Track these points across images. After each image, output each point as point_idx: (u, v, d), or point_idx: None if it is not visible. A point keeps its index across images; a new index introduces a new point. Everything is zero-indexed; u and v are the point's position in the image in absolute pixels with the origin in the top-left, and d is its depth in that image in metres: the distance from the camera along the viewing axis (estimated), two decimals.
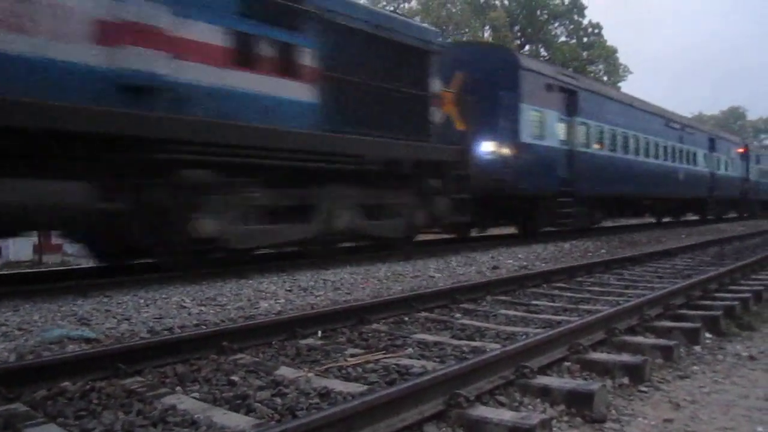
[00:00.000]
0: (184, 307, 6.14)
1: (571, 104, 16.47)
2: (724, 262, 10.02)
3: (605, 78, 44.78)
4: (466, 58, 14.32)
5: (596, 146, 17.88)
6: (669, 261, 10.41)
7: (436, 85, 11.51)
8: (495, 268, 9.67)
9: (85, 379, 3.55)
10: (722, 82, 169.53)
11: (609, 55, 45.97)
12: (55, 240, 15.51)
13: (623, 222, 24.82)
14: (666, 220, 26.41)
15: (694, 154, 25.89)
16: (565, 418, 3.10)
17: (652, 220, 25.79)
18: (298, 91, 8.85)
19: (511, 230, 17.39)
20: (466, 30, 40.03)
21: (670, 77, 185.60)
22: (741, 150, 33.05)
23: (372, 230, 10.43)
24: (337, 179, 9.49)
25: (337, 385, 3.45)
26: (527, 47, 43.99)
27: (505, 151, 14.16)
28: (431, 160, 11.17)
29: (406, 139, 10.56)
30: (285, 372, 3.76)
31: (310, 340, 4.67)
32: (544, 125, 15.28)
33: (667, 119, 23.62)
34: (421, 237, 13.51)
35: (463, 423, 2.91)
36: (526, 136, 14.54)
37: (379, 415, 2.70)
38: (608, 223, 22.44)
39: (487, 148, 14.10)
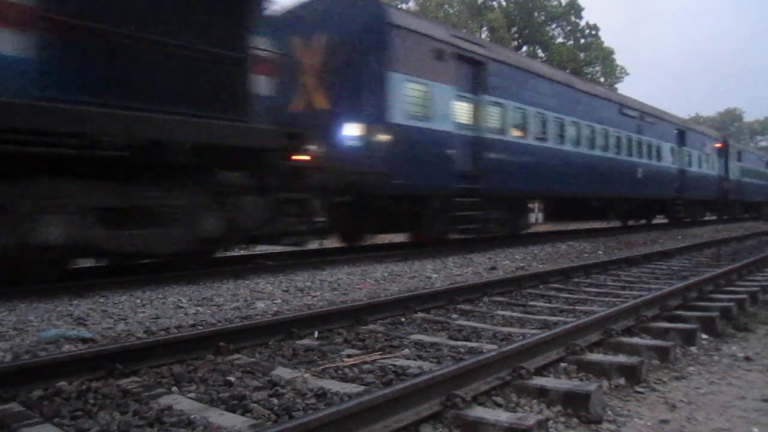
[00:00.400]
0: (181, 308, 6.14)
1: (478, 79, 13.06)
2: (720, 263, 10.04)
3: (602, 79, 44.87)
4: (328, 15, 11.52)
5: (516, 133, 14.48)
6: (666, 262, 10.44)
7: (261, 44, 8.43)
8: (492, 268, 9.68)
9: (82, 379, 3.54)
10: (721, 84, 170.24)
11: (606, 57, 46.08)
12: None
13: (563, 227, 21.93)
14: (634, 223, 24.12)
15: (658, 148, 22.60)
16: (562, 419, 3.10)
17: (618, 223, 23.20)
18: None
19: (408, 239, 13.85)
20: (464, 31, 40.06)
21: (668, 79, 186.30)
22: (718, 145, 29.61)
23: (115, 244, 7.17)
24: (56, 170, 6.64)
25: (334, 386, 3.45)
26: (525, 48, 44.07)
27: (372, 135, 10.86)
28: (235, 145, 8.08)
29: (200, 115, 7.66)
30: (282, 372, 3.76)
31: (306, 341, 4.67)
32: (431, 103, 11.75)
33: (620, 105, 20.22)
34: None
35: (459, 424, 2.91)
36: (401, 115, 11.08)
37: (376, 416, 2.70)
38: (544, 228, 20.22)
39: (350, 131, 10.92)
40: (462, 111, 12.69)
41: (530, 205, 19.41)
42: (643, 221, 24.70)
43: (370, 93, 10.96)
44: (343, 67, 10.95)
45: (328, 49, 11.08)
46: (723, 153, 29.71)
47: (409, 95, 11.34)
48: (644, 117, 21.66)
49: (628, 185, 20.17)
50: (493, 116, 13.57)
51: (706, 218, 29.61)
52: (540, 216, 23.53)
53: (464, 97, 12.78)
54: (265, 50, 8.44)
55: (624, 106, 20.41)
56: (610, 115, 19.11)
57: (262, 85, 8.40)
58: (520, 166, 14.56)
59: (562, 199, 17.97)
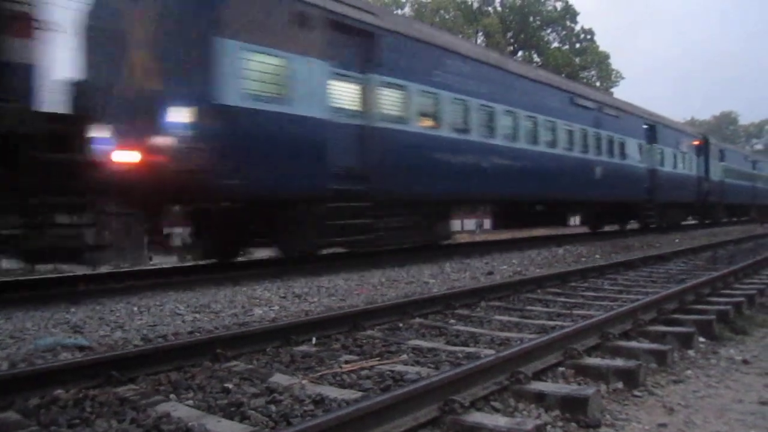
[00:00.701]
0: (178, 315, 6.13)
1: (367, 54, 10.41)
2: (717, 266, 10.06)
3: (598, 83, 45.03)
4: None
5: (425, 123, 11.83)
6: (663, 265, 10.45)
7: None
8: (489, 273, 9.68)
9: (78, 387, 3.53)
10: (718, 88, 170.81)
11: (601, 61, 46.26)
12: None
13: (512, 235, 20.19)
14: (604, 228, 22.10)
15: (622, 145, 19.96)
16: (560, 424, 3.10)
17: (585, 229, 21.41)
18: None
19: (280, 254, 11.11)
20: (460, 36, 40.19)
21: (667, 83, 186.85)
22: (696, 142, 26.89)
23: None
24: None
25: (332, 392, 3.44)
26: (520, 53, 44.22)
27: (200, 121, 8.28)
28: None
29: None
30: (279, 379, 3.75)
31: (304, 347, 4.66)
32: (291, 82, 9.13)
33: (573, 94, 17.62)
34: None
35: (457, 429, 2.91)
36: (238, 96, 8.50)
37: (374, 422, 2.70)
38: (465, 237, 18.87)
39: (174, 116, 8.36)
40: (342, 93, 10.03)
41: (482, 211, 18.09)
42: (616, 227, 22.84)
43: (196, 67, 8.45)
44: (170, 34, 8.58)
45: (153, 13, 8.74)
46: (702, 151, 27.28)
47: (252, 70, 8.67)
48: (603, 109, 19.14)
49: (584, 187, 17.61)
50: (389, 101, 10.82)
51: (688, 222, 27.64)
52: (487, 223, 22.42)
53: (346, 76, 10.08)
54: (25, 4, 6.49)
55: (577, 95, 17.92)
56: (559, 105, 16.60)
57: (18, 50, 6.47)
58: (432, 164, 11.84)
59: (498, 202, 15.86)
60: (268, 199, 9.34)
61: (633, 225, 23.06)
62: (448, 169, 12.31)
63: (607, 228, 22.44)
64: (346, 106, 10.18)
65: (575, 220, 24.91)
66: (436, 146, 12.00)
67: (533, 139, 15.26)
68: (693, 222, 27.98)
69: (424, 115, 11.78)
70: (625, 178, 20.14)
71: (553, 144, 16.12)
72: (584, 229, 22.07)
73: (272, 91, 8.93)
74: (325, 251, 10.77)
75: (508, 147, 14.18)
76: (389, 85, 10.85)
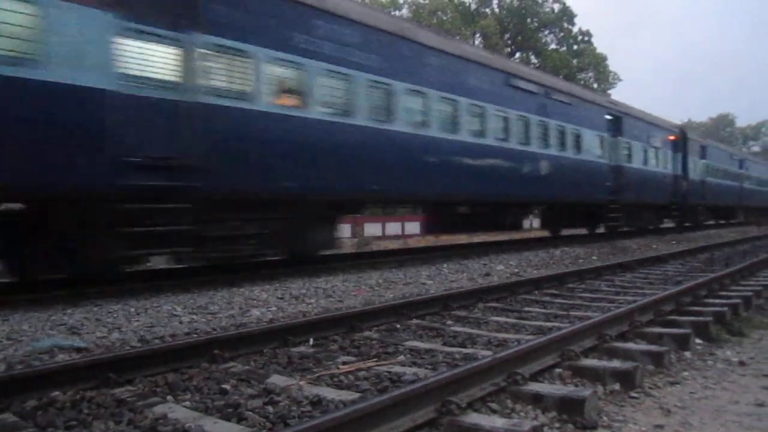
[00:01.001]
0: (175, 316, 6.12)
1: (182, 8, 7.86)
2: (714, 268, 10.08)
3: (595, 85, 45.12)
4: None
5: (282, 101, 9.38)
6: (660, 267, 10.47)
7: None
8: (487, 275, 9.70)
9: (76, 389, 3.53)
10: (716, 90, 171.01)
11: (599, 63, 46.35)
12: None
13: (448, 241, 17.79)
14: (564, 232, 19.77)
15: (577, 137, 17.13)
16: (557, 425, 3.11)
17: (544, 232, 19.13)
18: None
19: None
20: (457, 38, 40.27)
21: (666, 84, 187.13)
22: (672, 138, 24.13)
23: None
24: None
25: (329, 393, 3.45)
26: (518, 55, 44.29)
27: None
28: None
29: None
30: (277, 380, 3.75)
31: (301, 348, 4.66)
32: (38, 36, 6.71)
33: (508, 75, 14.71)
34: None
35: (454, 430, 2.91)
36: None
37: (371, 423, 2.70)
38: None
39: None
40: (143, 57, 7.56)
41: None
42: (584, 230, 20.48)
43: None
44: None
45: None
46: (680, 147, 24.59)
47: None
48: (552, 94, 16.28)
49: (523, 184, 14.82)
50: (221, 71, 8.46)
51: (666, 226, 24.74)
52: (416, 227, 19.52)
53: (146, 33, 7.59)
54: None
55: (515, 76, 14.97)
56: (489, 87, 13.82)
57: None
58: (295, 154, 9.37)
59: (402, 202, 13.28)
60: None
61: (593, 229, 20.35)
62: (321, 160, 9.77)
63: (567, 232, 20.17)
64: (152, 75, 7.63)
65: (532, 223, 23.53)
66: (299, 131, 9.41)
67: (452, 127, 12.52)
68: (670, 225, 24.85)
69: (284, 90, 9.42)
70: (581, 174, 17.21)
71: (479, 133, 13.33)
72: (545, 233, 20.03)
73: (5, 48, 6.47)
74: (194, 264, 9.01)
75: (414, 135, 11.44)
76: (220, 50, 8.38)
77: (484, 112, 13.51)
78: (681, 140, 24.80)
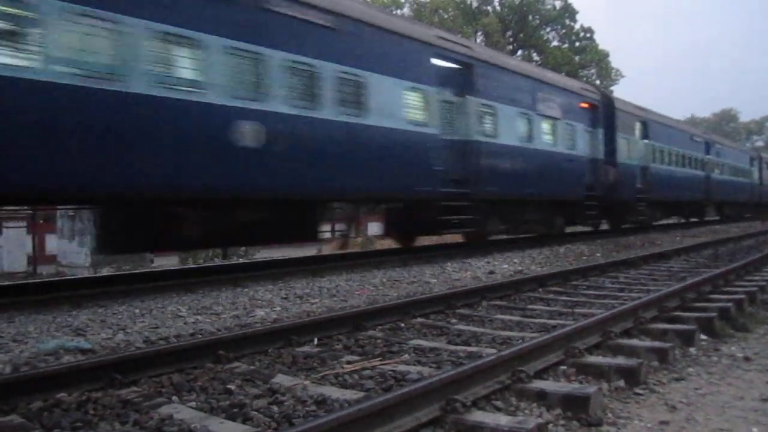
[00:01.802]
0: (180, 317, 6.14)
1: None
2: (718, 263, 10.05)
3: (598, 81, 45.01)
4: None
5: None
6: (664, 263, 10.45)
7: None
8: (490, 272, 9.69)
9: (81, 390, 3.54)
10: (719, 85, 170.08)
11: (601, 59, 46.21)
12: (50, 251, 15.46)
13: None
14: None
15: (356, 87, 10.28)
16: (562, 422, 3.11)
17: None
18: None
19: None
20: (459, 36, 40.25)
21: (669, 81, 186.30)
22: (585, 105, 17.17)
23: None
24: None
25: (334, 393, 3.45)
26: (520, 52, 44.21)
27: None
28: None
29: None
30: (281, 380, 3.76)
31: (306, 348, 4.67)
32: None
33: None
34: None
35: (459, 428, 2.91)
36: None
37: (376, 422, 2.71)
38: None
39: None
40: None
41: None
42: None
43: None
44: None
45: None
46: (601, 121, 17.82)
47: None
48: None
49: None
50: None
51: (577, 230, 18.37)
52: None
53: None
54: None
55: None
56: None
57: None
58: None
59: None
60: None
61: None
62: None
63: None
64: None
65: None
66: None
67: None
68: (584, 230, 18.61)
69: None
70: (377, 153, 10.45)
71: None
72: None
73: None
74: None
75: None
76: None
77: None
78: (602, 111, 17.85)
